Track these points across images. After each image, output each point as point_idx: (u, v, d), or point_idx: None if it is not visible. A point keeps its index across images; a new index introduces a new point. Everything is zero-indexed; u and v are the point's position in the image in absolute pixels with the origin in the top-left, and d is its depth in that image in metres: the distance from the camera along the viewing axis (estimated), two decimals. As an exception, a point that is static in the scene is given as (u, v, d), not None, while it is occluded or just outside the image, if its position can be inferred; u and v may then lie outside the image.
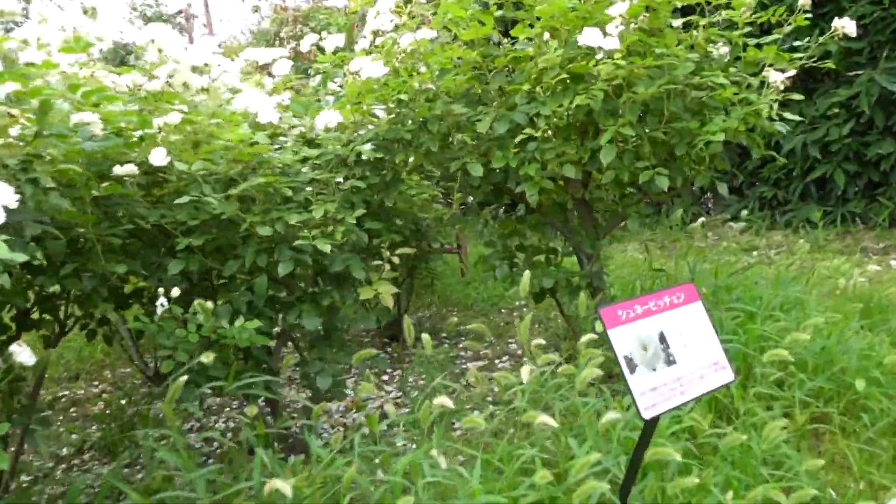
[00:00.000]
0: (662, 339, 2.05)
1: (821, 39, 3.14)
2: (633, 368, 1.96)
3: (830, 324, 3.44)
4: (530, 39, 3.22)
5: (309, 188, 3.09)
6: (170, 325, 2.89)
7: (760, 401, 2.96)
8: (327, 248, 2.90)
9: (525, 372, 2.43)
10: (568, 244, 3.91)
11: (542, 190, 3.74)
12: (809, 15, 3.24)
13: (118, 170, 2.86)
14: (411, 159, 3.43)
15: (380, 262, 3.24)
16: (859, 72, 6.40)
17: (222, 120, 3.03)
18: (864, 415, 2.91)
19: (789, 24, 3.22)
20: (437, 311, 5.44)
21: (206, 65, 3.38)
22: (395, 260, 3.26)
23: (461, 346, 4.81)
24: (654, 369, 2.00)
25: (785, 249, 6.06)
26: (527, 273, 2.90)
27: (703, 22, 3.05)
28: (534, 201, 3.34)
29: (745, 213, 6.00)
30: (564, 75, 3.13)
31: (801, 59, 3.11)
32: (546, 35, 3.12)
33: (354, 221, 3.09)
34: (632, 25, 2.92)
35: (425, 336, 2.79)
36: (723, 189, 3.47)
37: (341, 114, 3.21)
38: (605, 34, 2.99)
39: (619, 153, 3.29)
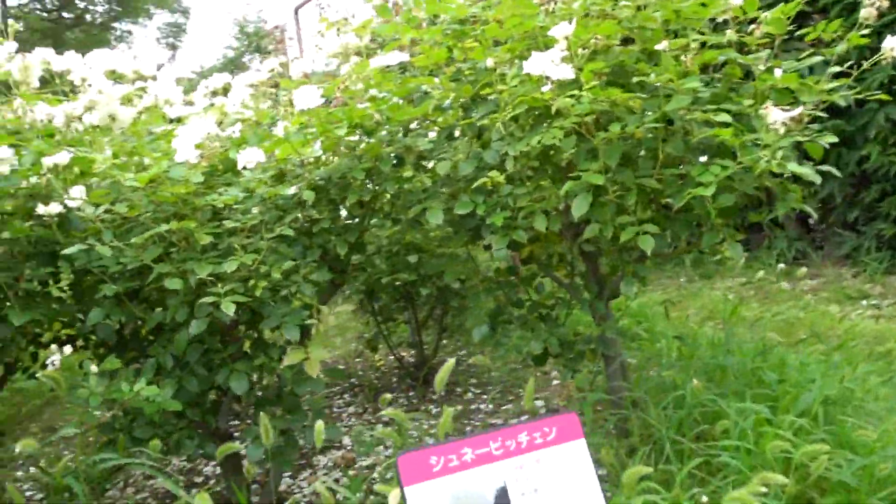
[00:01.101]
0: (501, 498, 1.42)
1: (864, 65, 2.30)
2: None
3: None
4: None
5: (232, 238, 2.66)
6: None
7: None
8: (230, 311, 2.44)
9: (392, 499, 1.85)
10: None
11: (535, 238, 3.10)
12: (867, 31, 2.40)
13: (41, 209, 2.56)
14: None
15: (314, 321, 2.74)
16: None
17: (143, 156, 2.66)
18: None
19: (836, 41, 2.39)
20: (471, 354, 4.86)
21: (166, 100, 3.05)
22: (330, 318, 2.75)
23: (485, 396, 4.22)
24: (473, 546, 1.38)
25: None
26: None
27: (694, 43, 2.30)
28: (500, 256, 2.72)
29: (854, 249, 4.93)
30: (529, 108, 2.49)
31: (835, 89, 2.28)
32: (498, 61, 2.49)
33: (280, 276, 2.62)
34: (588, 50, 2.24)
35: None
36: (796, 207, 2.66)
37: (282, 149, 2.75)
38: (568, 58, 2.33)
39: (602, 203, 2.59)
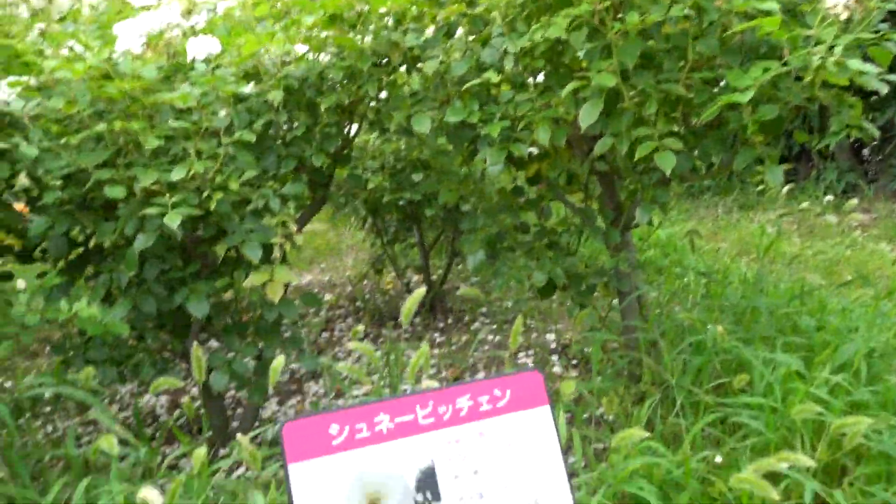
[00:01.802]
0: (426, 481, 1.04)
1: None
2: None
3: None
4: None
5: (188, 143, 2.27)
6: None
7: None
8: (174, 223, 2.08)
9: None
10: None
11: (543, 155, 2.65)
12: None
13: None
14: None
15: (280, 240, 2.36)
16: None
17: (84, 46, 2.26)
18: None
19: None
20: (484, 281, 4.47)
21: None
22: (297, 238, 2.38)
23: (494, 327, 3.85)
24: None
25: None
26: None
27: None
28: (495, 173, 2.29)
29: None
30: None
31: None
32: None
33: (236, 187, 2.23)
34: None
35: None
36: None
37: (246, 42, 2.32)
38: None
39: (616, 112, 2.13)
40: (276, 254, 2.35)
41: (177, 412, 3.35)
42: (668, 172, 1.99)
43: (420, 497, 1.08)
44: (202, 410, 3.02)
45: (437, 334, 3.85)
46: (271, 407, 3.27)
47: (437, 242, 4.12)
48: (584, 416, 2.58)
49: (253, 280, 2.33)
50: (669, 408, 2.40)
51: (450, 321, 3.99)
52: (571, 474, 1.69)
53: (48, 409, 3.05)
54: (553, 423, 1.16)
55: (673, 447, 2.23)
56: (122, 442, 2.37)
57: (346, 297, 4.59)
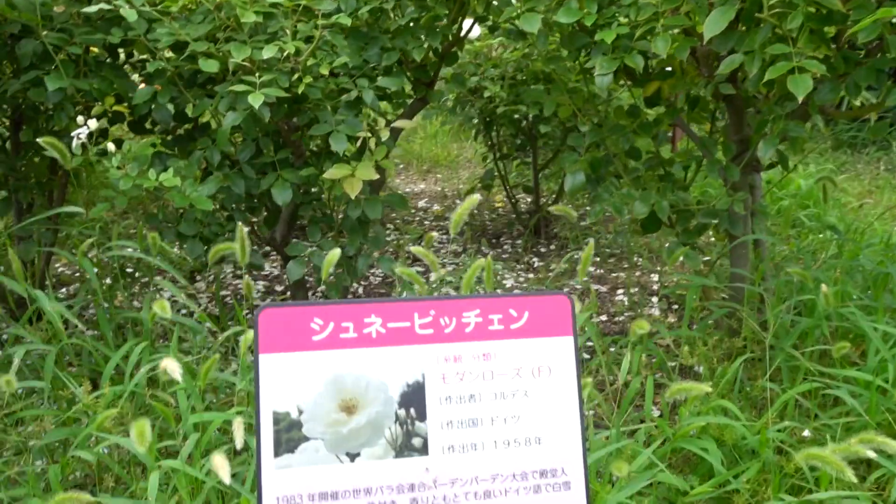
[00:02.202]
0: (412, 396, 0.92)
1: None
2: (289, 441, 0.90)
3: None
4: None
5: (286, 21, 2.17)
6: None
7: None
8: (256, 103, 2.01)
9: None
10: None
11: (667, 73, 2.37)
12: None
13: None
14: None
15: (366, 134, 2.25)
16: None
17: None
18: None
19: None
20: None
21: None
22: (384, 133, 2.25)
23: (598, 258, 3.63)
24: (356, 455, 0.91)
25: None
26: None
27: None
28: (602, 84, 2.05)
29: None
30: None
31: None
32: None
33: (326, 73, 2.13)
34: None
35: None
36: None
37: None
38: None
39: (755, 24, 1.83)
40: (372, 145, 2.23)
41: (269, 298, 3.40)
42: (800, 98, 1.68)
43: (402, 412, 0.96)
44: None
45: (535, 259, 3.67)
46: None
47: (549, 163, 3.89)
48: (671, 364, 2.36)
49: (333, 173, 2.25)
50: (763, 370, 2.14)
51: (552, 247, 3.79)
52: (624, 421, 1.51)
53: (137, 275, 3.16)
54: (575, 357, 0.99)
55: (755, 412, 1.98)
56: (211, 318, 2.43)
57: (466, 214, 4.46)
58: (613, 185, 2.51)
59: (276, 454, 0.92)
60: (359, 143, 2.52)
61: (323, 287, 3.32)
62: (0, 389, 1.53)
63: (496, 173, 3.88)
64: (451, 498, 0.96)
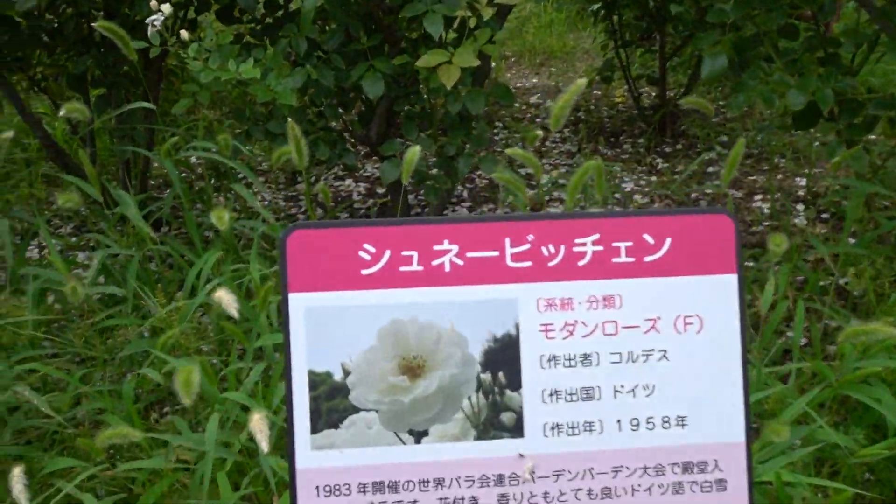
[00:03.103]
0: (501, 356, 0.64)
1: None
2: (331, 413, 0.65)
3: None
4: None
5: None
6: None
7: None
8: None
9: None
10: None
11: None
12: None
13: None
14: None
15: (466, 13, 1.90)
16: None
17: None
18: None
19: None
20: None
21: None
22: (486, 11, 1.90)
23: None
24: (422, 434, 0.65)
25: None
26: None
27: None
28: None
29: None
30: None
31: None
32: None
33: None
34: None
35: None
36: None
37: None
38: None
39: None
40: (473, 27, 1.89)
41: (370, 201, 3.19)
42: None
43: (487, 377, 0.68)
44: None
45: (660, 160, 3.25)
46: (462, 212, 2.99)
47: (679, 51, 3.38)
48: (821, 284, 1.97)
49: (427, 60, 1.93)
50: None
51: (678, 147, 3.34)
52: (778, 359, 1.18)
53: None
54: (739, 304, 0.67)
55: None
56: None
57: (569, 105, 4.05)
58: (762, 71, 2.06)
59: (315, 429, 0.67)
60: (459, 26, 2.18)
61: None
62: (79, 297, 1.38)
63: (617, 63, 3.42)
64: (554, 496, 0.69)
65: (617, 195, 2.86)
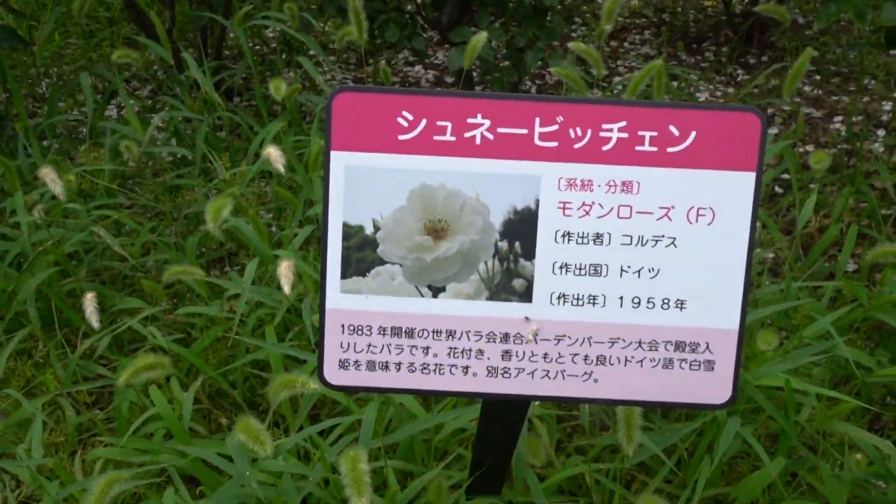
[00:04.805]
0: (519, 227, 0.71)
1: None
2: (360, 262, 0.74)
3: None
4: None
5: None
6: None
7: None
8: None
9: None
10: None
11: None
12: None
13: None
14: None
15: None
16: None
17: None
18: None
19: None
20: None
21: None
22: None
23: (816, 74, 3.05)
24: (440, 290, 0.73)
25: None
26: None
27: None
28: None
29: None
30: None
31: None
32: None
33: None
34: None
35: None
36: None
37: None
38: None
39: None
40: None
41: (437, 89, 3.20)
42: None
43: (504, 245, 0.74)
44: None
45: (741, 71, 3.14)
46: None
47: (780, -46, 3.18)
48: (886, 213, 1.93)
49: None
50: None
51: (764, 59, 3.21)
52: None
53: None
54: (753, 203, 0.71)
55: None
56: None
57: (655, 4, 3.90)
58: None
59: (344, 275, 0.75)
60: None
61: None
62: (135, 156, 1.48)
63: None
64: (553, 357, 0.76)
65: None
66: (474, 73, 2.64)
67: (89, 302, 1.10)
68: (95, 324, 1.10)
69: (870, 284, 1.70)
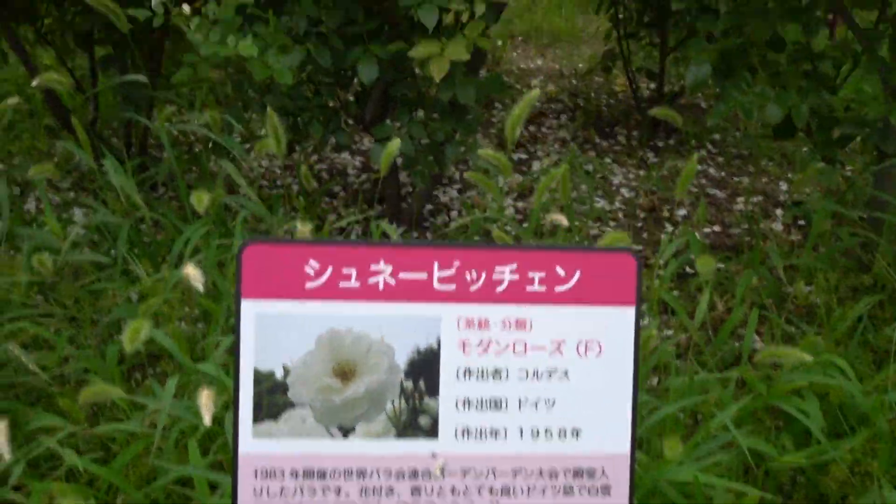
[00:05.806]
0: (423, 366, 0.75)
1: None
2: (272, 406, 0.76)
3: None
4: None
5: None
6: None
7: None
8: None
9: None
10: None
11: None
12: None
13: None
14: None
15: (461, 7, 1.97)
16: None
17: None
18: None
19: None
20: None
21: None
22: (479, 7, 1.97)
23: (721, 159, 3.25)
24: (350, 430, 0.76)
25: None
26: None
27: None
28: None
29: None
30: None
31: None
32: None
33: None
34: None
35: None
36: None
37: None
38: None
39: None
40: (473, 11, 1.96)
41: (363, 175, 3.27)
42: None
43: (409, 384, 0.78)
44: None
45: (651, 154, 3.32)
46: (451, 193, 3.08)
47: (680, 46, 3.43)
48: (787, 290, 2.06)
49: (420, 51, 2.00)
50: (894, 314, 1.82)
51: (671, 142, 3.41)
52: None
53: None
54: (634, 335, 0.77)
55: (875, 367, 1.69)
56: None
57: (570, 90, 4.11)
58: (745, 81, 2.13)
59: (256, 419, 0.78)
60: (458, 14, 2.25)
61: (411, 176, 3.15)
62: (50, 269, 1.48)
63: (619, 53, 3.47)
64: (460, 491, 0.80)
65: (599, 195, 2.94)
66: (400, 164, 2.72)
67: (1, 432, 1.08)
68: (7, 455, 1.08)
69: (774, 366, 1.80)
